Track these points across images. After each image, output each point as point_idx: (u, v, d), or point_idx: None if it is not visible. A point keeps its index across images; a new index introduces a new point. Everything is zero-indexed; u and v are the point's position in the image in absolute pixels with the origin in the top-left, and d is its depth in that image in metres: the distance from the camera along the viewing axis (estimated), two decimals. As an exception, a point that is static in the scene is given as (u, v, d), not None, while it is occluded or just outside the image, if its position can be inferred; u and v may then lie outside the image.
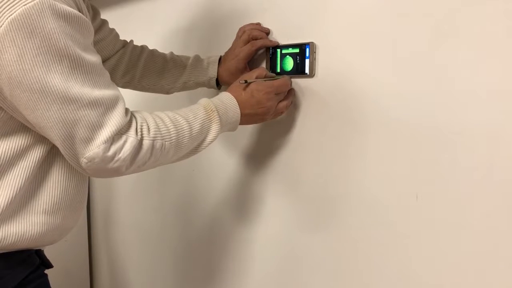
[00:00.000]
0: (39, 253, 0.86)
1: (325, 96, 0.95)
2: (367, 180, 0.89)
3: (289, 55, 0.97)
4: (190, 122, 0.80)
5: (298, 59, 0.96)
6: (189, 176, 1.31)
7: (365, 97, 0.88)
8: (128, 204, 1.60)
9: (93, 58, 0.70)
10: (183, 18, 1.27)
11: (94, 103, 0.68)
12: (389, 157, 0.86)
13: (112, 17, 1.18)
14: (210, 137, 0.83)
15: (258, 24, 1.03)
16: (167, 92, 1.10)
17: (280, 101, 0.93)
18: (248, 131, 1.11)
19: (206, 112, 0.83)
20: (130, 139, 0.72)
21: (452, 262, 0.79)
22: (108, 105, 0.70)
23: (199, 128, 0.81)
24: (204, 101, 0.85)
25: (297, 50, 0.96)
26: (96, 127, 0.69)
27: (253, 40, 1.01)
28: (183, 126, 0.79)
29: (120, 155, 0.71)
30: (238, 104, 0.87)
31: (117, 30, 1.08)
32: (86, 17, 0.71)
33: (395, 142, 0.85)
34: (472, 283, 0.77)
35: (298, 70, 0.97)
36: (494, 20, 0.72)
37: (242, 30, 1.03)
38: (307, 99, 0.98)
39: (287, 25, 1.01)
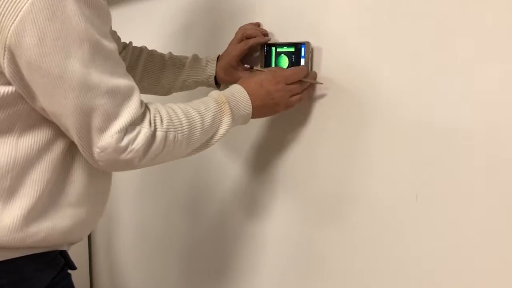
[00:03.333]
0: (63, 254, 0.86)
1: (323, 95, 0.95)
2: (367, 179, 0.89)
3: (284, 54, 0.97)
4: (202, 114, 0.78)
5: (293, 59, 0.95)
6: (194, 173, 1.30)
7: (365, 97, 0.88)
8: (129, 203, 1.60)
9: (111, 45, 0.69)
10: (183, 18, 1.27)
11: (111, 92, 0.68)
12: (389, 157, 0.86)
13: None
14: (222, 130, 0.81)
15: (257, 23, 1.03)
16: (167, 92, 1.10)
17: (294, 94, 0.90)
18: (253, 129, 1.11)
19: (217, 104, 0.81)
20: (144, 130, 0.71)
21: (452, 262, 0.79)
22: (125, 95, 0.70)
23: (211, 120, 0.79)
24: (215, 93, 0.83)
25: (292, 49, 0.95)
26: (111, 116, 0.68)
27: (247, 38, 1.01)
28: (195, 118, 0.77)
29: (133, 146, 0.70)
30: (249, 96, 0.85)
31: (116, 30, 1.08)
32: None
33: (395, 142, 0.85)
34: (472, 283, 0.77)
35: None
36: (494, 20, 0.72)
37: (239, 29, 1.03)
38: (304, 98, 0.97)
39: (288, 23, 1.01)
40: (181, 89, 1.09)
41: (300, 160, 1.01)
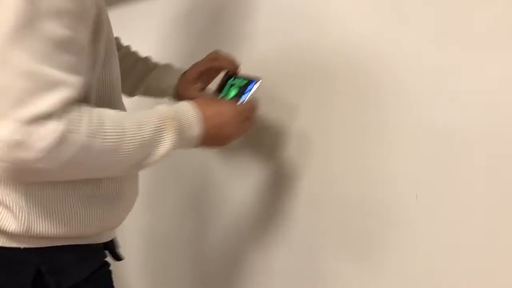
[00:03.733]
0: (108, 247, 0.85)
1: (323, 95, 0.95)
2: (367, 180, 0.89)
3: (237, 85, 0.92)
4: (141, 126, 0.69)
5: (241, 91, 0.91)
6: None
7: (365, 97, 0.88)
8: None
9: (62, 31, 0.60)
10: (182, 16, 1.27)
11: (29, 76, 0.58)
12: (388, 157, 0.86)
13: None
14: (162, 148, 0.71)
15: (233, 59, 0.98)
16: (132, 93, 1.05)
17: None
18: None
19: (162, 119, 0.71)
20: (58, 128, 0.60)
21: (452, 262, 0.79)
22: (46, 86, 0.59)
23: (149, 135, 0.69)
24: (162, 107, 0.75)
25: (244, 82, 0.91)
26: (18, 102, 0.58)
27: (214, 60, 0.97)
28: (130, 129, 0.67)
29: (38, 143, 0.58)
30: (202, 120, 0.75)
31: (115, 30, 1.07)
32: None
33: (394, 142, 0.85)
34: (472, 283, 0.77)
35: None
36: (494, 20, 0.72)
37: (213, 51, 0.98)
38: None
39: (288, 18, 1.01)
40: (145, 93, 1.04)
41: (302, 160, 1.01)
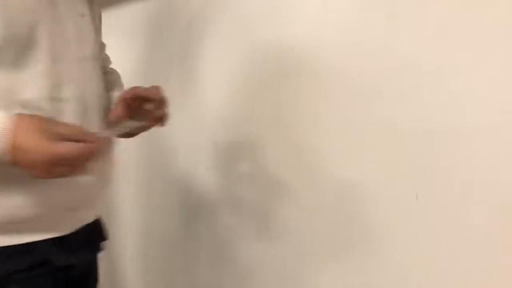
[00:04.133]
0: (58, 245, 0.73)
1: (320, 94, 0.94)
2: (367, 180, 0.89)
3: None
4: None
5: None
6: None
7: (365, 96, 0.88)
8: (131, 202, 1.57)
9: None
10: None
11: None
12: (388, 157, 0.86)
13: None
14: None
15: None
16: None
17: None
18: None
19: None
20: None
21: (452, 262, 0.79)
22: None
23: None
24: None
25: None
26: None
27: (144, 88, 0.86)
28: None
29: None
30: (12, 144, 0.64)
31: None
32: None
33: (395, 142, 0.85)
34: (472, 282, 0.77)
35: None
36: (495, 20, 0.72)
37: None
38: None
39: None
40: None
41: (301, 161, 1.01)
